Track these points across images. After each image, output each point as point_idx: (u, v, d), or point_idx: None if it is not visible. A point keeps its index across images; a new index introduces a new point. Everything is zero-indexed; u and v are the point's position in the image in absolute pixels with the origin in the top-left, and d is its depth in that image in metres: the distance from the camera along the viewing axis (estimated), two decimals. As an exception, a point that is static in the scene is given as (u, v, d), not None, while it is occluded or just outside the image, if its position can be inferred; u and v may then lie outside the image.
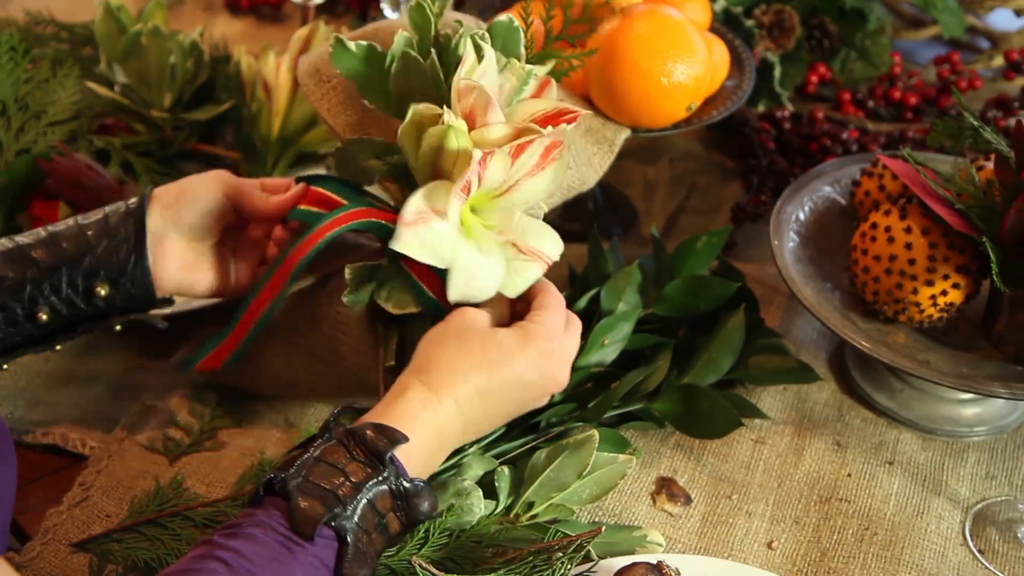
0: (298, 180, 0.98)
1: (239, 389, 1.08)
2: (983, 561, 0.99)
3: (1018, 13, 1.66)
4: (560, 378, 0.91)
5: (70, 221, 0.95)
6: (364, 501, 0.78)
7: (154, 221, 0.95)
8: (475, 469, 0.95)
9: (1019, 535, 1.01)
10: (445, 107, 0.87)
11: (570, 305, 0.97)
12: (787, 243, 1.15)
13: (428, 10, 0.94)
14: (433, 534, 0.90)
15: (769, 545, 0.99)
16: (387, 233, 0.90)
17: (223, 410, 1.08)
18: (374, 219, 0.93)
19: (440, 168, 0.88)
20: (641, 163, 1.45)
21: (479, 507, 0.93)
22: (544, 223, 0.94)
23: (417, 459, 0.82)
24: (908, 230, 1.07)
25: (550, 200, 1.09)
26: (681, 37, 1.14)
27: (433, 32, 0.94)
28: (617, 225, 1.34)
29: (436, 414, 0.84)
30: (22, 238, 0.93)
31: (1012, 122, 1.30)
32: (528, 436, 1.01)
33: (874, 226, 1.09)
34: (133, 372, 1.13)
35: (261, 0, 1.74)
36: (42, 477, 1.03)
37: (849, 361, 1.16)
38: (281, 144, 1.31)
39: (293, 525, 0.76)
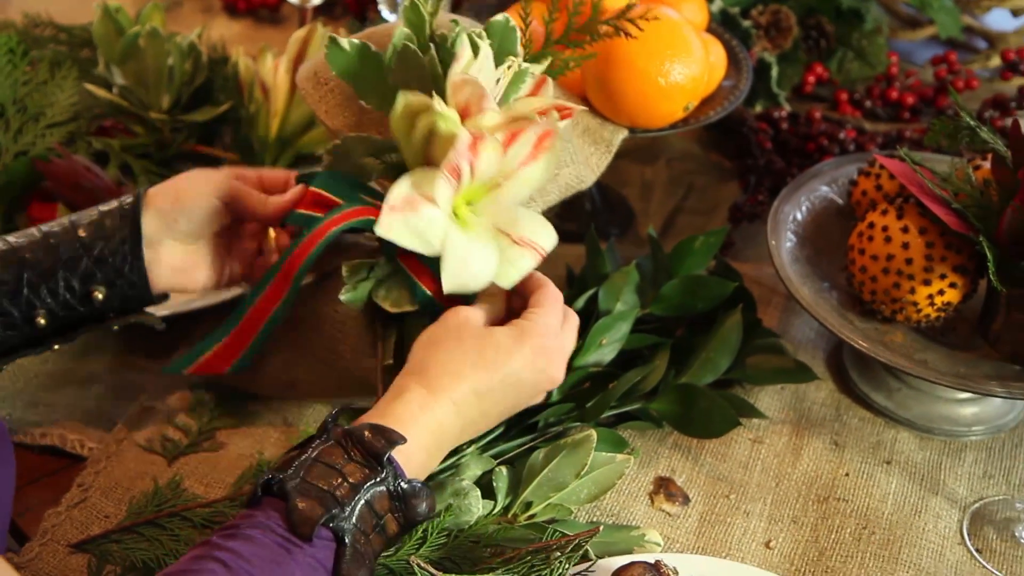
0: (298, 180, 0.98)
1: (237, 390, 1.09)
2: (980, 560, 0.99)
3: (1015, 13, 1.66)
4: (556, 375, 0.90)
5: (64, 221, 0.94)
6: (362, 502, 0.78)
7: (149, 226, 0.95)
8: (473, 469, 0.96)
9: (1016, 534, 1.01)
10: (435, 93, 0.87)
11: (567, 305, 0.97)
12: (784, 243, 1.15)
13: (422, 9, 0.94)
14: (431, 534, 0.90)
15: (767, 544, 0.99)
16: None
17: (221, 411, 1.08)
18: (371, 217, 0.93)
19: (432, 158, 0.88)
20: (638, 163, 1.45)
21: (477, 507, 0.93)
22: (537, 213, 0.94)
23: (415, 460, 0.83)
24: (905, 230, 1.07)
25: (547, 198, 1.09)
26: (678, 37, 1.14)
27: (428, 31, 0.94)
28: (615, 225, 1.35)
29: (434, 415, 0.84)
30: (16, 239, 0.93)
31: (1009, 122, 1.30)
32: (526, 436, 1.01)
33: (871, 226, 1.09)
34: (131, 373, 1.13)
35: (259, 2, 1.74)
36: (41, 478, 1.03)
37: (847, 361, 1.16)
38: (279, 145, 1.31)
39: (291, 526, 0.76)
